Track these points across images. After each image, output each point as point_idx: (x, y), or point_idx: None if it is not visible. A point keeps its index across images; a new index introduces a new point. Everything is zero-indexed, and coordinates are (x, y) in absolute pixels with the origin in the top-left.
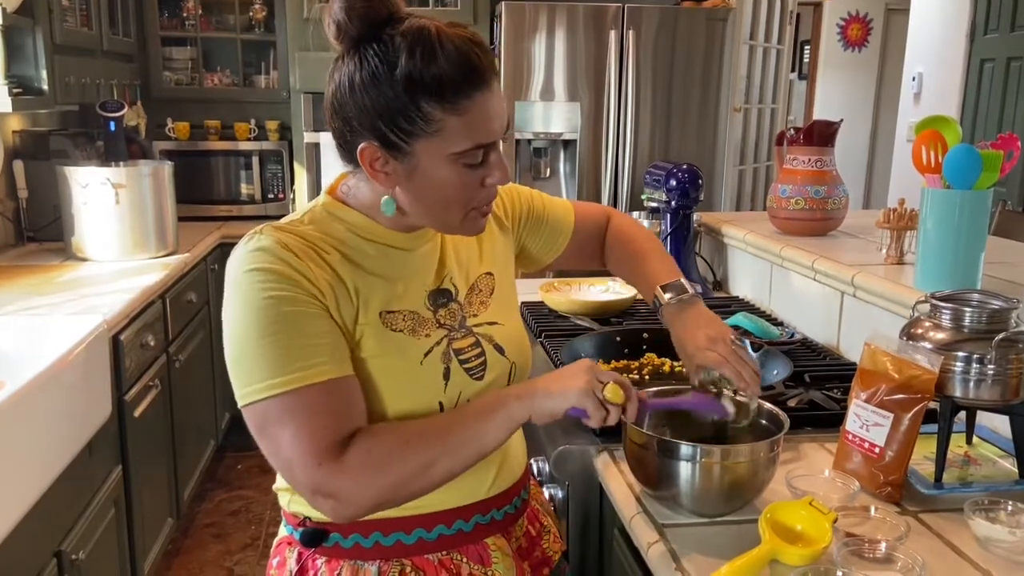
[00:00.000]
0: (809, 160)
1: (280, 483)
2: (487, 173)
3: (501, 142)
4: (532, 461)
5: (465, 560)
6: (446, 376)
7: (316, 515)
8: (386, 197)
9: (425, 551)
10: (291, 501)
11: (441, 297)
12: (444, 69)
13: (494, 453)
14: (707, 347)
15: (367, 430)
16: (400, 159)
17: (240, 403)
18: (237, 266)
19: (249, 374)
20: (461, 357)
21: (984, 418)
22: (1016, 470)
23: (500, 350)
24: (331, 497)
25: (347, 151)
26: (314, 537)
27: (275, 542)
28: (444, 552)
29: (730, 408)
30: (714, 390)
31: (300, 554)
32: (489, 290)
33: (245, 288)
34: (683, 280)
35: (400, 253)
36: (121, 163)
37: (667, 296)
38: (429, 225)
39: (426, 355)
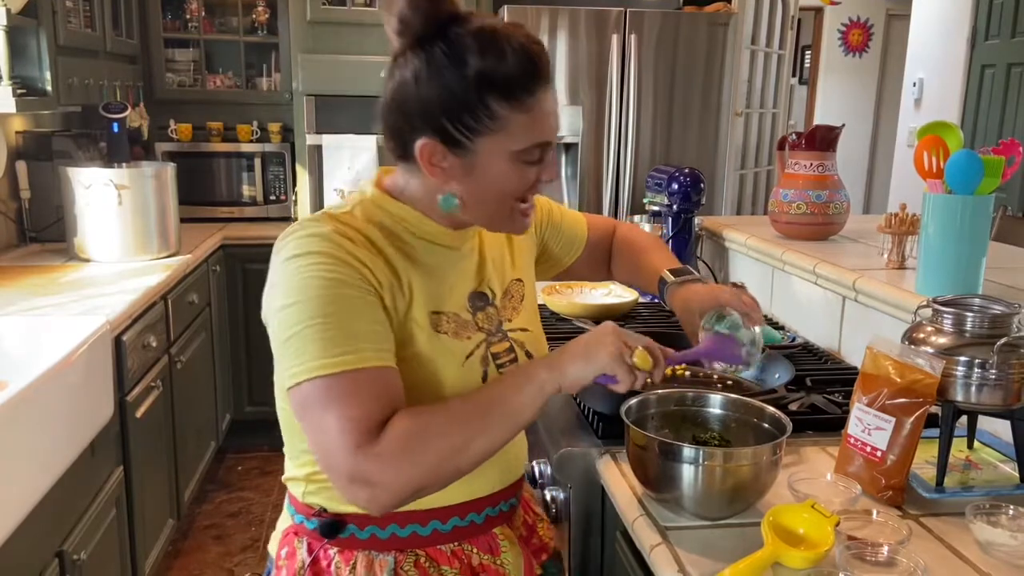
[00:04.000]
0: (811, 165)
1: (291, 472)
2: (541, 170)
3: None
4: (534, 463)
5: (476, 551)
6: (484, 380)
7: (333, 506)
8: (445, 194)
9: (439, 542)
10: (306, 492)
11: (479, 300)
12: (513, 67)
13: (509, 449)
14: (707, 294)
15: (402, 413)
16: (460, 155)
17: (287, 383)
18: (291, 250)
19: (299, 354)
20: (498, 362)
21: (985, 422)
22: (1017, 474)
23: (531, 357)
24: (368, 485)
25: (402, 147)
26: (332, 528)
27: (280, 531)
28: (456, 543)
29: (742, 351)
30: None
31: (311, 545)
32: (520, 296)
33: (300, 270)
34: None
35: (445, 251)
36: (124, 164)
37: (673, 276)
38: (477, 221)
39: (467, 358)
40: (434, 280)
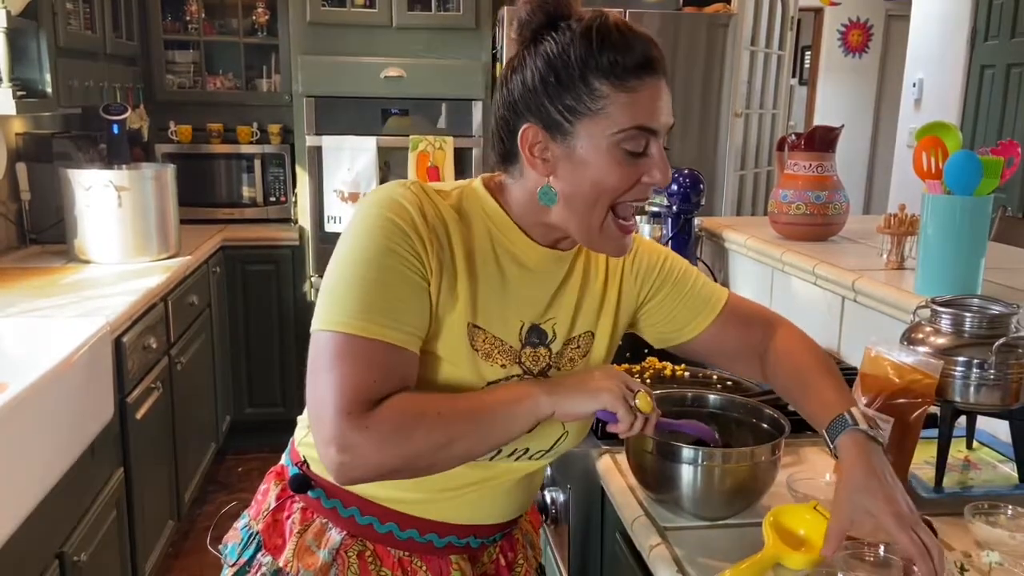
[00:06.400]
0: (810, 165)
1: (304, 415)
2: (646, 168)
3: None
4: None
5: (424, 569)
6: None
7: (316, 465)
8: (544, 186)
9: (391, 544)
10: (304, 439)
11: (534, 335)
12: (619, 50)
13: (496, 498)
14: (895, 521)
15: (401, 395)
16: (560, 141)
17: (313, 326)
18: (368, 203)
19: (332, 304)
20: None
21: (984, 422)
22: (1016, 474)
23: None
24: (346, 451)
25: (508, 143)
26: (302, 483)
27: (271, 468)
28: (406, 552)
29: (716, 435)
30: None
31: (283, 491)
32: (585, 351)
33: (363, 227)
34: (875, 416)
35: (519, 271)
36: (124, 166)
37: (862, 425)
38: (571, 227)
39: (490, 384)
40: (494, 294)
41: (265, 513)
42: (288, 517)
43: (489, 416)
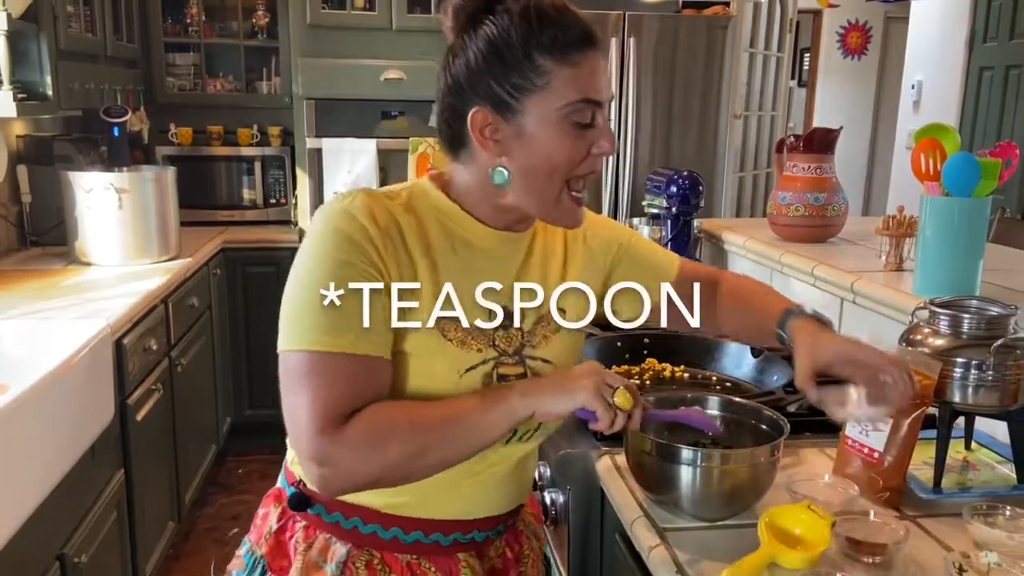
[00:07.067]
0: (809, 167)
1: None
2: (594, 139)
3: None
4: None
5: (433, 570)
6: None
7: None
8: (495, 167)
9: (397, 550)
10: (295, 459)
11: (505, 319)
12: (558, 27)
13: (490, 489)
14: (843, 349)
15: (374, 406)
16: (510, 120)
17: (279, 347)
18: (321, 220)
19: (294, 323)
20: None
21: (982, 423)
22: (1014, 475)
23: None
24: (326, 465)
25: (457, 131)
26: (301, 502)
27: (271, 492)
28: (414, 556)
29: (719, 425)
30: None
31: (283, 512)
32: (555, 327)
33: (317, 243)
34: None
35: (477, 256)
36: (124, 168)
37: (808, 311)
38: (526, 204)
39: (468, 370)
40: (457, 282)
41: (267, 536)
42: (291, 537)
43: (463, 424)
